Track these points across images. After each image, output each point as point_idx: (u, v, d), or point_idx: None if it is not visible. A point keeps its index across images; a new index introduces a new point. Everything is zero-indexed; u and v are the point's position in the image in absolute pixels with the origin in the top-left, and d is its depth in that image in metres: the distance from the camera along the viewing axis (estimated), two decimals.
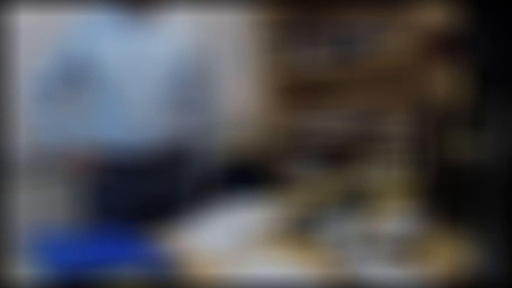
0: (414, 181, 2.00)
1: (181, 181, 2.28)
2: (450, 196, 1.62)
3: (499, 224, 0.95)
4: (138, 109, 2.13)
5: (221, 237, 1.76)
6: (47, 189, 2.65)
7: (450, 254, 1.54)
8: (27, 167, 2.62)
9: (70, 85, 2.15)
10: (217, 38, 3.11)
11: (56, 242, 1.57)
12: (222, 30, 3.20)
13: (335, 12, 3.20)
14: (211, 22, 3.10)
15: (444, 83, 2.25)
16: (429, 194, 1.77)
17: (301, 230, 1.77)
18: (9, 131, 2.40)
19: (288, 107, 3.36)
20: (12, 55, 2.52)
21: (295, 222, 1.82)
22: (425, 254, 1.53)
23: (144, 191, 2.17)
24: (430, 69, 2.37)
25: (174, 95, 2.21)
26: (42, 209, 2.64)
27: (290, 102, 3.36)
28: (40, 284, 1.38)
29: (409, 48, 2.62)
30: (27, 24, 2.59)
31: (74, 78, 2.13)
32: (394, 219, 1.77)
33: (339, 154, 2.94)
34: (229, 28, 3.25)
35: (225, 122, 3.01)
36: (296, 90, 3.36)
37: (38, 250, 1.52)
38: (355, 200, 1.88)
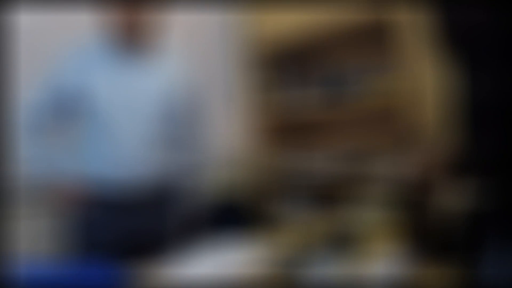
0: (401, 223, 2.00)
1: (167, 218, 2.26)
2: (438, 238, 1.61)
3: (487, 265, 0.94)
4: (127, 145, 2.13)
5: (205, 275, 1.73)
6: (33, 220, 2.61)
7: None
8: (13, 198, 2.58)
9: (60, 117, 2.15)
10: (207, 76, 3.14)
11: (38, 274, 1.54)
12: (213, 68, 3.23)
13: (324, 53, 3.25)
14: (202, 60, 3.13)
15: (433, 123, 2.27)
16: (416, 236, 1.76)
17: (286, 272, 1.74)
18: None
19: (277, 147, 3.37)
20: (10, 84, 2.52)
21: (280, 263, 1.80)
22: None
23: (130, 227, 2.14)
24: (419, 112, 2.40)
25: (163, 132, 2.22)
26: (27, 240, 2.59)
27: (279, 142, 3.37)
28: None
29: (397, 90, 2.66)
30: (26, 49, 2.60)
31: (65, 110, 2.13)
32: (382, 261, 1.75)
33: (327, 195, 2.93)
34: (220, 67, 3.28)
35: (214, 161, 3.01)
36: (285, 130, 3.38)
37: (20, 281, 1.48)
38: (342, 241, 1.86)
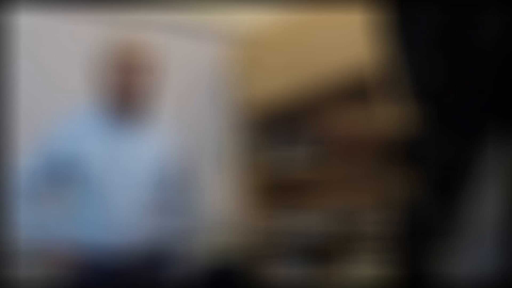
0: (392, 280, 2.00)
1: (160, 283, 2.24)
2: None
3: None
4: (120, 211, 2.14)
5: None
6: (25, 285, 2.56)
7: None
8: (8, 262, 2.55)
9: (54, 183, 2.16)
10: (198, 140, 3.19)
11: None
12: (203, 132, 3.28)
13: (313, 114, 3.31)
14: (192, 124, 3.18)
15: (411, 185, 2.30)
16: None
17: None
18: None
19: (268, 207, 3.37)
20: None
21: None
22: None
23: None
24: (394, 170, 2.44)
25: (156, 198, 2.24)
26: None
27: (270, 203, 3.37)
28: None
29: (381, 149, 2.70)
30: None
31: (59, 176, 2.14)
32: None
33: (319, 254, 2.92)
34: (210, 130, 3.33)
35: (206, 225, 3.01)
36: (276, 190, 3.39)
37: None
38: None
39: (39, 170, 2.15)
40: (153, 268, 2.21)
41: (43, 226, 2.14)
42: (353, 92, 2.93)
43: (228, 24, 3.40)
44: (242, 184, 3.37)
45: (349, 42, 2.78)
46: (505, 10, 0.83)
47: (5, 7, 2.37)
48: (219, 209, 3.26)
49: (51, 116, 2.24)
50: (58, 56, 2.85)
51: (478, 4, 0.87)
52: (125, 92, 2.18)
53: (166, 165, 2.29)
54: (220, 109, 3.38)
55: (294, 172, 3.15)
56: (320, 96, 3.01)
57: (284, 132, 3.40)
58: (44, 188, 2.17)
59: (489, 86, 0.87)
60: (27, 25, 2.70)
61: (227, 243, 3.17)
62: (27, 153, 2.19)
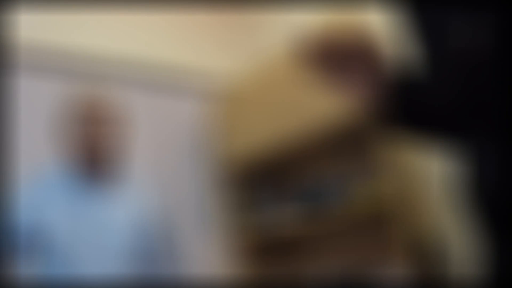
0: None
1: None
2: None
3: None
4: (92, 282, 1.87)
5: None
6: None
7: None
8: None
9: (15, 254, 1.90)
10: (178, 201, 2.91)
11: None
12: (183, 191, 3.00)
13: (299, 165, 3.07)
14: (171, 183, 2.92)
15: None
16: None
17: None
18: None
19: (262, 270, 3.08)
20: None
21: None
22: None
23: None
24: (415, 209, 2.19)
25: (136, 267, 1.98)
26: None
27: (263, 265, 3.08)
28: None
29: (385, 193, 2.44)
30: None
31: (24, 247, 1.89)
32: None
33: None
34: (191, 189, 3.05)
35: None
36: (268, 250, 3.12)
37: None
38: None
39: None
40: None
41: None
42: (343, 135, 2.72)
43: (206, 80, 3.23)
44: (231, 247, 3.07)
45: (330, 91, 2.57)
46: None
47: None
48: (207, 273, 2.92)
49: (13, 180, 2.00)
50: (18, 114, 2.62)
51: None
52: (92, 145, 1.97)
53: (144, 230, 2.05)
54: (201, 168, 3.12)
55: (287, 230, 2.87)
56: (306, 144, 2.81)
57: (270, 187, 3.16)
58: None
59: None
60: None
61: None
62: None
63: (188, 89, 3.18)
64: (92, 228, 1.91)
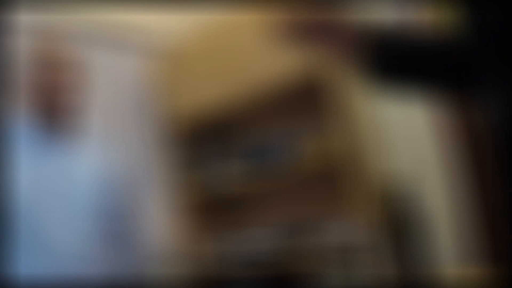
0: None
1: None
2: None
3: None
4: (63, 242, 1.81)
5: None
6: None
7: None
8: None
9: None
10: (129, 160, 2.89)
11: None
12: (133, 150, 2.97)
13: (246, 123, 3.12)
14: (121, 143, 2.89)
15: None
16: None
17: None
18: None
19: (207, 228, 3.11)
20: None
21: None
22: None
23: None
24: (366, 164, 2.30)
25: (101, 225, 1.92)
26: None
27: (208, 223, 3.11)
28: None
29: (332, 150, 2.55)
30: None
31: None
32: None
33: (276, 275, 2.70)
34: (139, 148, 3.03)
35: (152, 256, 2.70)
36: (213, 208, 3.14)
37: None
38: None
39: None
40: None
41: None
42: (291, 92, 2.77)
43: (149, 35, 3.16)
44: (177, 205, 3.08)
45: (273, 43, 2.63)
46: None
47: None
48: (160, 238, 2.94)
49: None
50: None
51: None
52: (52, 91, 1.85)
53: (106, 187, 1.98)
54: (148, 126, 3.10)
55: (232, 187, 2.89)
56: (253, 101, 2.81)
57: (216, 145, 3.18)
58: None
59: None
60: None
61: (173, 274, 2.86)
62: None
63: (134, 46, 3.11)
64: (55, 187, 1.82)
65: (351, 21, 1.00)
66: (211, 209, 3.13)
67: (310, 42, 1.00)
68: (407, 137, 2.46)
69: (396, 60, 0.96)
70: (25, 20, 2.53)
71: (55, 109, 1.87)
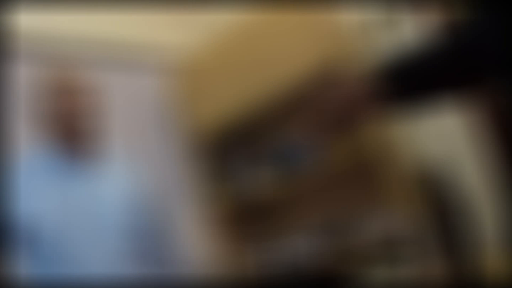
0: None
1: None
2: None
3: None
4: (91, 265, 1.79)
5: None
6: None
7: None
8: None
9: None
10: (158, 178, 2.86)
11: None
12: (161, 169, 2.95)
13: (270, 126, 3.04)
14: (149, 163, 2.86)
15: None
16: None
17: None
18: None
19: (243, 238, 3.05)
20: None
21: None
22: None
23: None
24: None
25: (132, 245, 1.90)
26: None
27: (243, 234, 3.05)
28: None
29: (363, 145, 2.45)
30: None
31: (11, 246, 1.77)
32: None
33: (321, 278, 2.60)
34: (167, 166, 3.00)
35: (187, 270, 2.65)
36: (250, 218, 3.07)
37: None
38: None
39: None
40: None
41: None
42: (312, 95, 2.69)
43: (162, 52, 3.13)
44: (211, 218, 3.02)
45: (296, 44, 2.57)
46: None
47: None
48: (195, 251, 2.89)
49: None
50: None
51: None
52: (69, 117, 1.84)
53: (136, 207, 1.95)
54: (172, 142, 3.07)
55: (264, 193, 2.82)
56: (273, 106, 2.76)
57: (242, 153, 3.11)
58: None
59: None
60: None
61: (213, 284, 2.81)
62: None
63: (148, 64, 3.09)
64: (83, 210, 1.79)
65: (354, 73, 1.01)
66: (246, 218, 3.07)
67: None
68: (436, 120, 2.35)
69: (415, 79, 0.96)
70: (37, 47, 2.53)
71: (75, 134, 1.85)
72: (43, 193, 1.78)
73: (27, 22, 2.60)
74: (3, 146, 1.87)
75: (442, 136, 2.34)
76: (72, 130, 1.85)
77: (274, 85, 2.67)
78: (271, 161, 2.85)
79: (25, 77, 2.46)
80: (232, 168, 3.06)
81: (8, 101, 2.40)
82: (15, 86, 2.44)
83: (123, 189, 1.94)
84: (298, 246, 2.84)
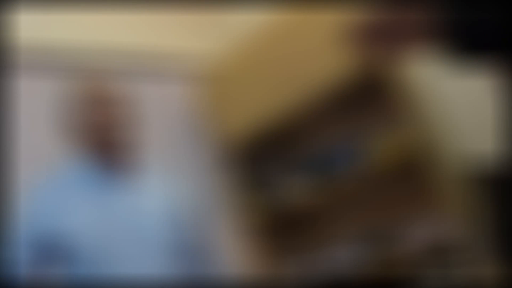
0: None
1: None
2: None
3: None
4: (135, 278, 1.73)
5: None
6: None
7: None
8: None
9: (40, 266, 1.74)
10: (195, 189, 2.82)
11: None
12: (193, 179, 2.90)
13: (304, 133, 2.94)
14: (184, 173, 2.82)
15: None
16: None
17: None
18: None
19: (288, 250, 2.94)
20: None
21: None
22: None
23: None
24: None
25: (175, 257, 1.83)
26: None
27: (288, 244, 2.94)
28: None
29: (406, 144, 2.34)
30: None
31: (48, 261, 1.73)
32: None
33: None
34: (200, 176, 2.95)
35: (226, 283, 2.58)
36: (289, 228, 2.96)
37: None
38: None
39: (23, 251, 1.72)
40: None
41: None
42: (348, 90, 2.59)
43: (189, 60, 3.09)
44: (249, 228, 2.93)
45: (325, 44, 2.49)
46: None
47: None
48: (235, 263, 2.81)
49: (17, 186, 1.85)
50: (20, 116, 2.49)
51: None
52: (104, 128, 1.79)
53: (176, 219, 1.90)
54: (204, 151, 3.02)
55: (302, 201, 2.72)
56: (307, 110, 2.67)
57: (276, 160, 3.02)
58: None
59: None
60: None
61: None
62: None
63: (173, 73, 3.05)
64: (123, 224, 1.74)
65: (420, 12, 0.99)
66: (283, 228, 2.97)
67: (375, 43, 1.01)
68: (477, 116, 2.26)
69: (472, 34, 0.96)
70: (68, 60, 2.54)
71: (111, 146, 1.81)
72: (80, 208, 1.73)
73: (59, 35, 2.61)
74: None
75: (493, 133, 2.23)
76: (107, 142, 1.80)
77: (306, 87, 2.59)
78: (308, 167, 2.76)
79: (59, 90, 2.45)
80: (267, 176, 2.98)
81: (37, 114, 2.39)
82: (48, 99, 2.43)
83: (162, 201, 1.89)
84: (340, 257, 2.73)
